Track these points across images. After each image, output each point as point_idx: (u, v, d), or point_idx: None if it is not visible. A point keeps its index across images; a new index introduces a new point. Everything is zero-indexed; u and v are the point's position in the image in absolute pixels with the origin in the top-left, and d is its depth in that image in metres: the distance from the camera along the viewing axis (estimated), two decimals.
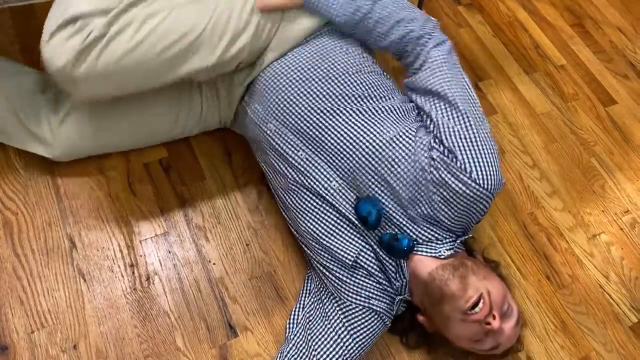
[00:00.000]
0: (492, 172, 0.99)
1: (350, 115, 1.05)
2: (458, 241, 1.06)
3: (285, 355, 1.04)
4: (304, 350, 1.04)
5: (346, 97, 1.07)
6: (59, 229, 1.17)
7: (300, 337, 1.06)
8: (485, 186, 0.99)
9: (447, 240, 1.05)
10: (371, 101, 1.07)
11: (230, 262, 1.19)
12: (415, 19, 1.10)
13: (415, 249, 1.03)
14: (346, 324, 1.04)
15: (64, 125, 1.14)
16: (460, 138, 1.00)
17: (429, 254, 1.03)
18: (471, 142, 1.00)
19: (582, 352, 1.20)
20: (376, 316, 1.05)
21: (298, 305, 1.13)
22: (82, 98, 1.04)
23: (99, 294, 1.11)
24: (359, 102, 1.07)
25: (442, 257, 1.03)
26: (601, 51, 1.75)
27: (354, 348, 1.04)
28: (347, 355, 1.03)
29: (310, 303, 1.11)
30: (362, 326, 1.04)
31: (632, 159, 1.53)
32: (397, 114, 1.07)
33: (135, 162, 1.27)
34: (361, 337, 1.04)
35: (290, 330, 1.09)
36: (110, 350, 1.06)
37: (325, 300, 1.08)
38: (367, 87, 1.09)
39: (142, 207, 1.22)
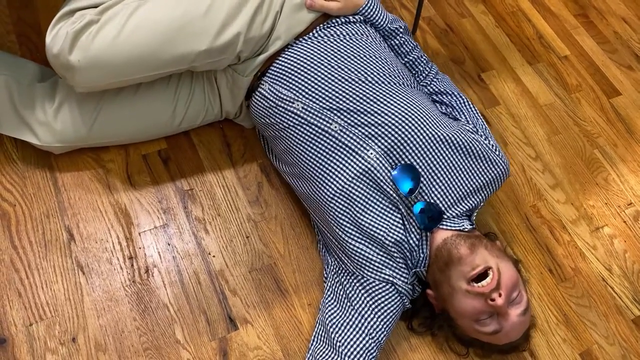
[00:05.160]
0: (505, 155, 1.16)
1: (390, 86, 1.10)
2: (473, 216, 1.11)
3: (311, 352, 1.05)
4: (325, 339, 1.04)
5: (380, 72, 1.12)
6: (57, 221, 1.16)
7: (320, 327, 1.07)
8: (507, 165, 1.14)
9: (465, 217, 1.09)
10: (402, 78, 1.15)
11: (230, 254, 1.18)
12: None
13: (442, 222, 1.06)
14: (370, 302, 1.04)
15: (59, 114, 1.13)
16: (486, 128, 1.20)
17: (453, 228, 1.06)
18: (491, 134, 1.20)
19: (584, 345, 1.20)
20: (397, 294, 1.06)
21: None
22: (82, 87, 1.04)
23: (97, 286, 1.10)
24: (392, 77, 1.12)
25: (466, 230, 1.06)
26: (605, 42, 1.73)
27: (379, 327, 1.03)
28: (374, 335, 1.03)
29: (327, 288, 1.12)
30: (385, 303, 1.05)
31: (636, 150, 1.51)
32: (424, 94, 1.21)
33: (133, 154, 1.26)
34: (385, 315, 1.04)
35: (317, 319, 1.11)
36: (110, 343, 1.05)
37: (345, 283, 1.08)
38: (397, 67, 1.16)
39: (140, 199, 1.21)
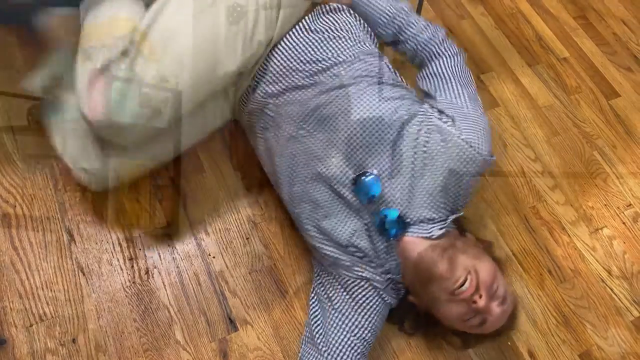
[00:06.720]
0: (481, 137, 1.05)
1: (357, 90, 1.06)
2: (449, 220, 1.05)
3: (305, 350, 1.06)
4: (311, 342, 1.05)
5: (349, 74, 1.08)
6: (58, 222, 1.16)
7: (307, 329, 1.08)
8: (479, 150, 1.04)
9: (438, 221, 1.05)
10: (372, 77, 1.10)
11: (230, 255, 1.18)
12: (437, 27, 1.22)
13: (408, 229, 1.03)
14: (349, 301, 1.04)
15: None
16: (456, 108, 1.09)
17: (420, 235, 1.03)
18: (465, 113, 1.09)
19: (584, 347, 1.20)
20: (375, 290, 1.06)
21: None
22: (136, 142, 1.03)
23: (98, 287, 1.11)
24: (361, 77, 1.08)
25: (434, 237, 1.02)
26: (604, 43, 1.73)
27: (363, 325, 1.03)
28: (358, 333, 1.03)
29: (312, 290, 1.12)
30: (364, 300, 1.05)
31: (635, 152, 1.51)
32: (394, 88, 1.11)
33: None
34: (366, 312, 1.04)
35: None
36: (110, 344, 1.06)
37: (326, 284, 1.09)
38: (370, 63, 1.11)
39: (141, 200, 1.21)
